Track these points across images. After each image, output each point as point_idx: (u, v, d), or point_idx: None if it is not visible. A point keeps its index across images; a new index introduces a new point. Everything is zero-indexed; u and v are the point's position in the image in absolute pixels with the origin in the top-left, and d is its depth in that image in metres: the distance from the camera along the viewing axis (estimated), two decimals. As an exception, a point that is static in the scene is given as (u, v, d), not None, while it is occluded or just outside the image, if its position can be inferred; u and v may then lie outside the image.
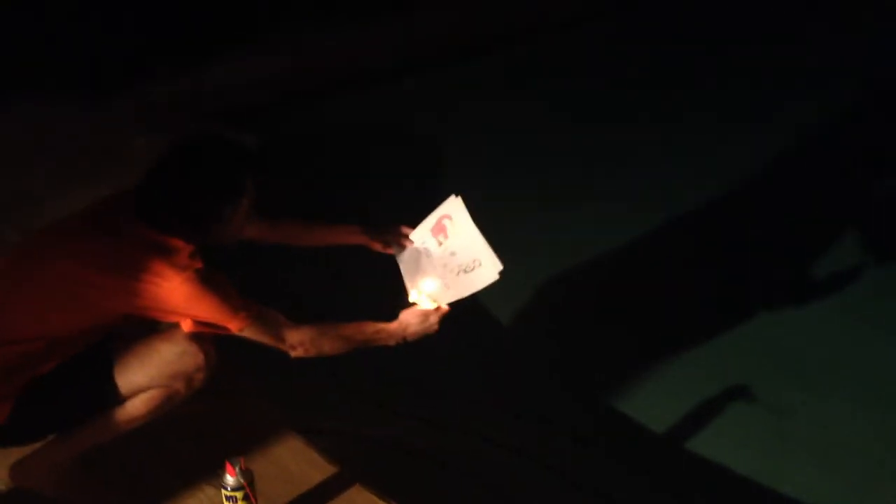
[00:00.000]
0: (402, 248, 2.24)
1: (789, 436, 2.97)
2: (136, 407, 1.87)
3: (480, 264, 2.04)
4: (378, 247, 2.27)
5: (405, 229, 2.26)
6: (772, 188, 4.12)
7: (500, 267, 2.02)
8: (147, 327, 1.91)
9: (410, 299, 2.11)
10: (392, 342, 2.06)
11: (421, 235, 2.21)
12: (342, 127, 4.25)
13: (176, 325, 1.87)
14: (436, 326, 2.06)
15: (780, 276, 3.64)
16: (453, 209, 2.14)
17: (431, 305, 2.06)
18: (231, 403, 2.29)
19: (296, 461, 2.18)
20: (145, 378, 1.84)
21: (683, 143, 4.34)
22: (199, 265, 1.82)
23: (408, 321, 2.06)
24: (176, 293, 1.79)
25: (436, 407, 2.70)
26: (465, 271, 2.07)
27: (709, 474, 2.86)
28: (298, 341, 1.92)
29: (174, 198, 1.82)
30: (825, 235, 3.79)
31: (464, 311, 2.14)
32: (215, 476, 2.08)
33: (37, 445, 1.94)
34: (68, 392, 1.84)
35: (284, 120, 4.16)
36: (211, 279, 1.81)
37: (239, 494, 1.84)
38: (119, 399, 1.85)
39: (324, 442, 2.21)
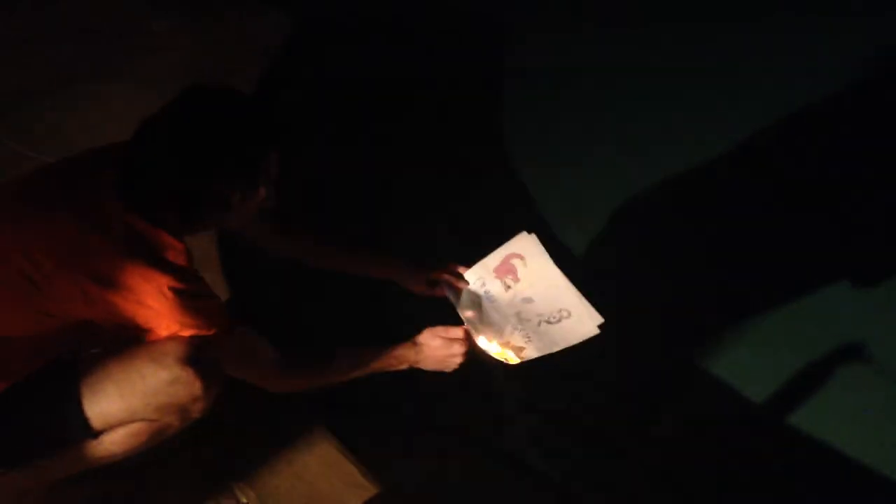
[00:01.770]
0: (455, 290, 1.74)
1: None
2: (114, 443, 1.39)
3: (569, 315, 1.63)
4: (420, 288, 1.78)
5: (459, 268, 1.75)
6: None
7: (599, 320, 1.60)
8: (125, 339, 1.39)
9: (481, 345, 1.65)
10: (401, 367, 1.64)
11: (479, 276, 1.74)
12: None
13: (164, 341, 1.34)
14: (459, 360, 1.63)
15: None
16: (526, 248, 1.70)
17: (515, 360, 1.62)
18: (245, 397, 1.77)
19: (328, 478, 1.71)
20: (125, 411, 1.34)
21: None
22: (185, 267, 1.32)
23: (427, 344, 1.62)
24: (151, 301, 1.31)
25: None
26: (549, 322, 1.64)
27: (813, 453, 2.40)
28: (282, 374, 1.53)
29: (165, 173, 1.31)
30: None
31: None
32: (228, 494, 1.64)
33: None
34: (21, 423, 1.37)
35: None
36: (196, 289, 1.35)
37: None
38: (90, 433, 1.37)
39: (364, 455, 1.71)
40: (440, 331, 1.65)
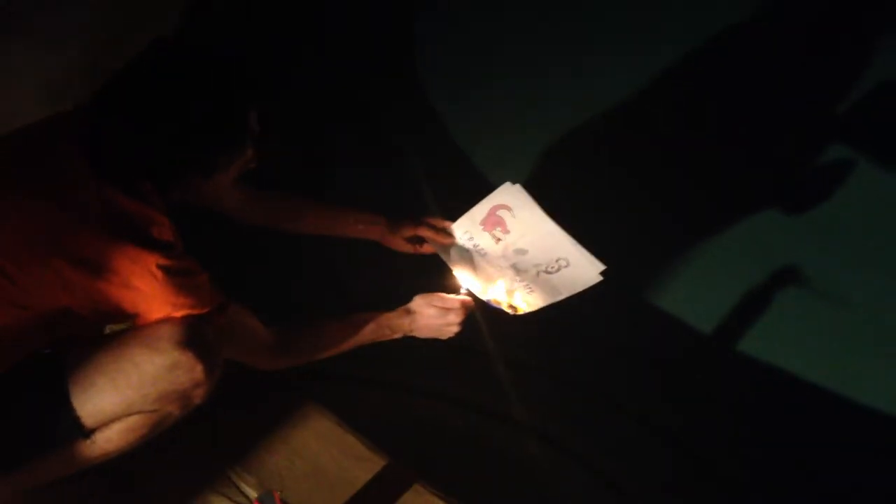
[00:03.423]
0: (443, 246, 1.62)
1: (850, 328, 2.48)
2: (109, 441, 1.22)
3: (568, 264, 1.53)
4: (404, 246, 1.66)
5: (443, 222, 1.63)
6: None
7: (600, 267, 1.50)
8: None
9: (485, 298, 1.55)
10: (395, 337, 1.53)
11: (466, 229, 1.62)
12: None
13: (156, 324, 1.18)
14: (455, 329, 1.52)
15: (823, 136, 2.95)
16: (512, 198, 1.58)
17: (524, 308, 1.52)
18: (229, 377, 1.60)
19: (329, 452, 1.58)
20: (120, 404, 1.18)
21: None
22: (171, 242, 1.17)
23: (421, 313, 1.51)
24: (139, 282, 1.15)
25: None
26: (548, 272, 1.54)
27: (759, 378, 2.42)
28: (273, 350, 1.38)
29: (143, 137, 1.15)
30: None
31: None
32: (225, 481, 1.49)
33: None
34: (6, 425, 1.18)
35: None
36: (185, 265, 1.19)
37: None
38: (83, 432, 1.19)
39: (367, 428, 1.59)
40: (435, 299, 1.53)
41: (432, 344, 1.58)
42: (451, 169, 2.46)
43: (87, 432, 1.20)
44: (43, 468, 1.24)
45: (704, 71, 2.76)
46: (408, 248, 1.66)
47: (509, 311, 1.54)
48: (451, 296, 1.55)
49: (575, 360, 2.41)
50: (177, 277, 1.17)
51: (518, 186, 1.61)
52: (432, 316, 1.51)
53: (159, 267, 1.15)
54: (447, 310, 1.51)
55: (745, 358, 2.49)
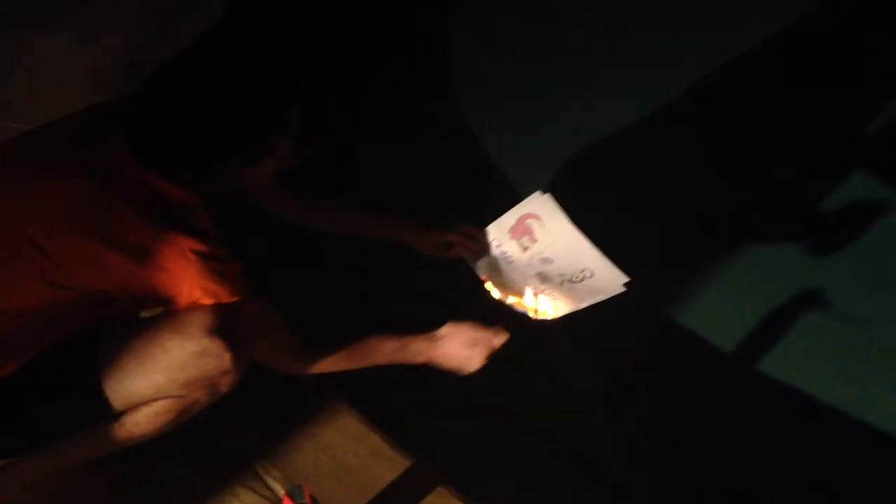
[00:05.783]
0: (470, 252, 1.57)
1: (870, 352, 2.38)
2: (137, 424, 1.17)
3: (592, 275, 1.47)
4: (432, 250, 1.58)
5: (471, 229, 1.56)
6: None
7: (624, 279, 1.44)
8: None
9: (510, 302, 1.48)
10: (417, 361, 1.42)
11: (494, 236, 1.57)
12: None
13: (187, 311, 1.12)
14: (478, 363, 1.41)
15: (849, 161, 2.83)
16: (541, 208, 1.54)
17: (553, 312, 1.44)
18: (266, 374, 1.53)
19: (355, 451, 1.51)
20: (149, 388, 1.12)
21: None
22: (207, 229, 1.13)
23: (446, 341, 1.42)
24: (172, 265, 1.10)
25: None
26: (571, 281, 1.48)
27: (778, 397, 2.28)
28: (296, 353, 1.31)
29: (180, 121, 1.10)
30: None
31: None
32: (251, 475, 1.42)
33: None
34: (38, 406, 1.13)
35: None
36: (219, 252, 1.14)
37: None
38: (112, 414, 1.13)
39: (390, 428, 1.51)
40: (465, 329, 1.43)
41: (452, 376, 1.48)
42: (478, 177, 2.40)
43: (116, 414, 1.14)
44: (72, 449, 1.20)
45: (736, 86, 2.68)
46: (436, 252, 1.59)
47: (533, 315, 1.46)
48: (481, 331, 1.45)
49: (598, 372, 2.33)
50: (210, 263, 1.12)
51: (548, 196, 1.56)
52: (457, 346, 1.42)
53: (193, 251, 1.10)
54: (474, 343, 1.42)
55: (764, 377, 2.38)
